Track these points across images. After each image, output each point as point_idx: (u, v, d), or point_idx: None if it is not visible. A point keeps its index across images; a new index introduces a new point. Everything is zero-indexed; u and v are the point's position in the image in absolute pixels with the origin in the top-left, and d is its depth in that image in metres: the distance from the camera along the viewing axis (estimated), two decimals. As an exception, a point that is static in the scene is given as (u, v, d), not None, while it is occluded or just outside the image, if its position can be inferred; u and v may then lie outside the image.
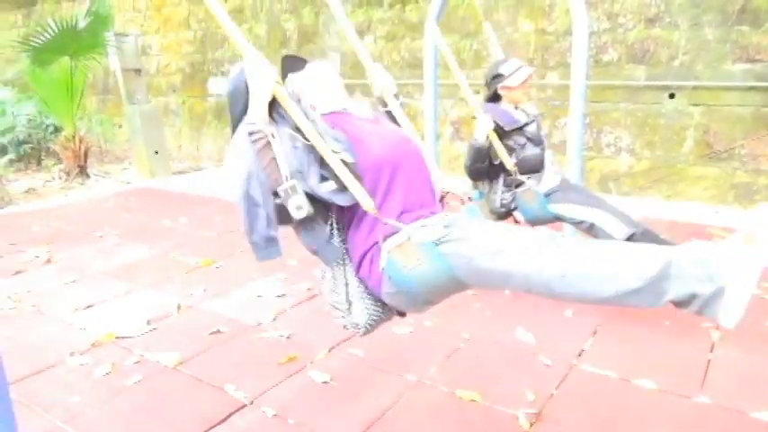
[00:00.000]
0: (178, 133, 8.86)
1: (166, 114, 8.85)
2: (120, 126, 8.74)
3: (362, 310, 1.55)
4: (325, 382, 2.31)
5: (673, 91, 5.12)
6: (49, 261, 3.86)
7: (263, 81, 1.43)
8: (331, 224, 1.51)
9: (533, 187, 2.82)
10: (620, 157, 5.51)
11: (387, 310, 1.60)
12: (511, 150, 2.84)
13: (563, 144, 5.62)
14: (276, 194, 1.42)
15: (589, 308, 2.92)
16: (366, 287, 1.55)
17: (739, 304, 1.17)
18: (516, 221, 2.98)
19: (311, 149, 1.45)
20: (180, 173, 7.21)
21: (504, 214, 2.94)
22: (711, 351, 2.47)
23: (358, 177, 1.47)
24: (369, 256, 1.51)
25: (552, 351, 2.50)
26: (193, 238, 4.29)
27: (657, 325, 2.71)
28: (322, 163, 1.46)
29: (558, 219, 2.84)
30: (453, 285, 1.43)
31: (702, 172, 5.04)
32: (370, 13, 7.00)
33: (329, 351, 2.53)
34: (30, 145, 7.59)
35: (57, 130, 7.42)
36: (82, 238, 4.34)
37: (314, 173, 1.44)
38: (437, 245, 1.40)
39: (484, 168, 2.87)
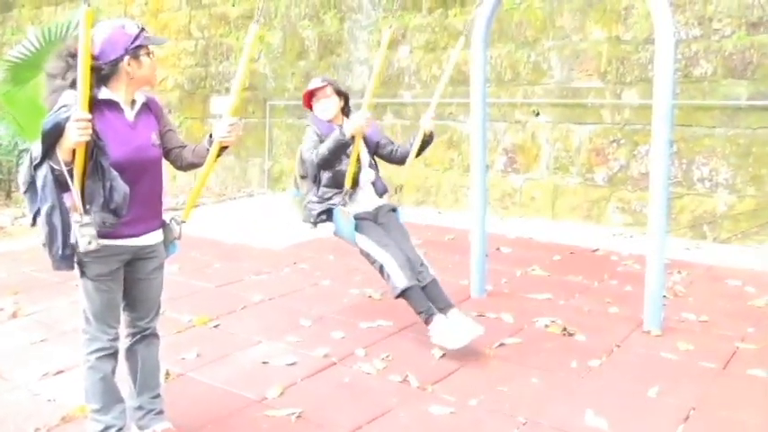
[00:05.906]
0: (173, 161, 9.11)
1: (160, 139, 9.12)
2: (105, 153, 9.02)
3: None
4: (344, 475, 2.29)
5: (785, 112, 5.07)
6: (15, 315, 3.96)
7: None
8: None
9: (350, 209, 3.39)
10: (716, 194, 5.43)
11: None
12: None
13: (644, 177, 5.60)
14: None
15: (679, 386, 2.85)
16: None
17: None
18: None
19: None
20: (173, 209, 7.36)
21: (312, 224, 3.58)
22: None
23: None
24: None
25: (632, 441, 2.44)
26: (186, 289, 4.35)
27: (769, 410, 2.62)
28: None
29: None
30: None
31: (825, 214, 4.94)
32: (406, 19, 7.17)
33: (349, 435, 2.51)
34: (-2, 175, 7.90)
35: (31, 157, 7.68)
36: (55, 287, 4.45)
37: None
38: None
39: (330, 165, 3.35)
